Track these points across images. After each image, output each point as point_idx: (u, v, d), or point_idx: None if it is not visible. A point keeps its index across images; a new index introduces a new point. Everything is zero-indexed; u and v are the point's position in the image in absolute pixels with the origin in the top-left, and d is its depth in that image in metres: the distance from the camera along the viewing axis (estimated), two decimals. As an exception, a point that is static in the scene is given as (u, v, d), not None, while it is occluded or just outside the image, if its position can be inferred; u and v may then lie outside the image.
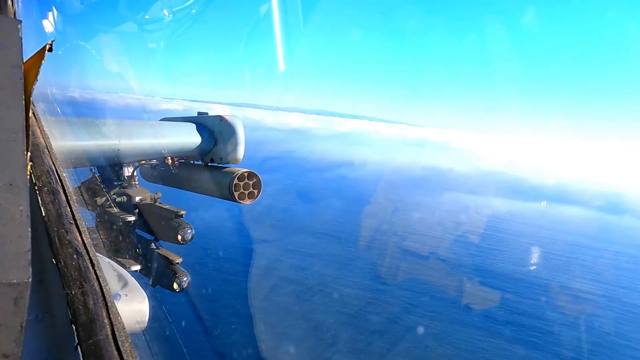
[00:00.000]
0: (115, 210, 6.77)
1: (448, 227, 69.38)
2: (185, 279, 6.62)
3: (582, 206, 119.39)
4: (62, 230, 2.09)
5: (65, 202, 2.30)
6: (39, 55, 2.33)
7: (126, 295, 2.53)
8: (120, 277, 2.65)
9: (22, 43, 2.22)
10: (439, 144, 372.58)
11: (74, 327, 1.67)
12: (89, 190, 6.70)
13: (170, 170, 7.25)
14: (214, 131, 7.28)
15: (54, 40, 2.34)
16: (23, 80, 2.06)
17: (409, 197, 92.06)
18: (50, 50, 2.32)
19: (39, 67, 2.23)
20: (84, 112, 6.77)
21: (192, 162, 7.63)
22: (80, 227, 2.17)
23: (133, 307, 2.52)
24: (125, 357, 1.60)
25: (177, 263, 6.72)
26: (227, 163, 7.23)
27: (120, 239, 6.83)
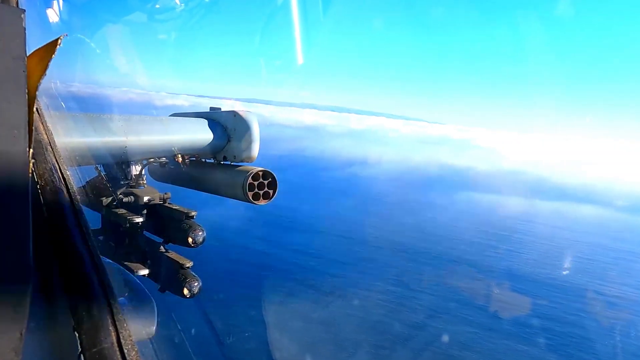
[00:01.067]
0: (122, 211, 6.76)
1: (468, 228, 69.34)
2: (196, 284, 6.60)
3: (605, 206, 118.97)
4: (66, 232, 2.09)
5: (68, 202, 2.31)
6: (49, 49, 2.34)
7: (133, 301, 2.53)
8: (127, 282, 2.66)
9: (25, 34, 2.23)
10: (458, 142, 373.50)
11: (77, 335, 1.67)
12: (94, 189, 6.71)
13: (181, 168, 7.24)
14: (228, 127, 7.26)
15: (65, 35, 2.35)
16: (26, 73, 2.06)
17: (425, 198, 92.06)
18: (60, 44, 2.32)
19: (48, 61, 2.24)
20: (89, 107, 6.80)
21: (203, 160, 7.63)
22: (84, 229, 2.17)
23: (140, 313, 2.53)
24: (131, 367, 1.60)
25: (188, 267, 6.69)
26: (241, 161, 7.22)
27: (127, 242, 6.83)
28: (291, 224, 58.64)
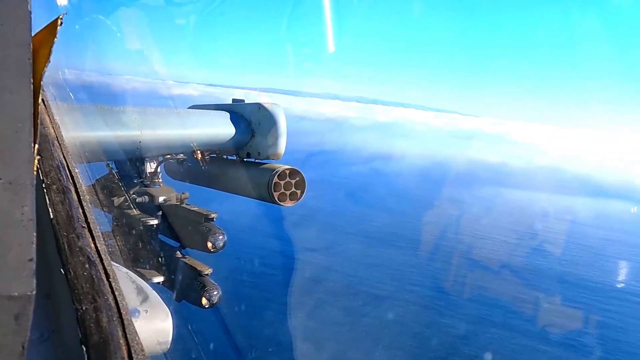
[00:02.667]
0: (135, 212, 6.79)
1: (502, 227, 69.06)
2: (215, 292, 6.61)
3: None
4: (73, 235, 2.09)
5: (77, 203, 2.31)
6: (49, 31, 2.34)
7: (146, 312, 2.53)
8: (140, 290, 2.66)
9: (30, 18, 2.23)
10: (492, 135, 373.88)
11: (84, 348, 1.67)
12: (105, 188, 6.76)
13: (200, 166, 7.26)
14: (252, 121, 7.25)
15: (65, 13, 2.35)
16: (31, 61, 2.06)
17: (453, 195, 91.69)
18: (61, 24, 2.32)
19: (51, 46, 2.23)
20: (100, 98, 6.83)
21: (225, 156, 7.64)
22: (93, 232, 2.18)
23: (154, 325, 2.53)
24: (143, 384, 1.60)
25: (207, 274, 6.71)
26: (266, 158, 7.19)
27: (140, 246, 6.86)
28: (314, 224, 58.52)
